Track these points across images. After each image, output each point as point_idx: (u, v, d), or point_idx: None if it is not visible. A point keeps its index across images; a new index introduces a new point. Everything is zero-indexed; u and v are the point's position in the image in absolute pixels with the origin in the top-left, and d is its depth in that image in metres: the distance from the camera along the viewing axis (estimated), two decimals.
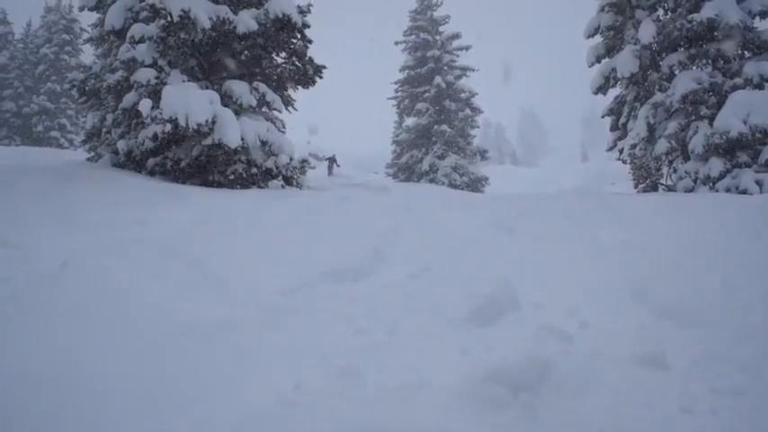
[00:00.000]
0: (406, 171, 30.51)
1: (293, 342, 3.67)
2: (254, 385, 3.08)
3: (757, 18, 15.37)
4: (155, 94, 11.81)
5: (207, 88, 12.41)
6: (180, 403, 2.89)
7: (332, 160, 27.75)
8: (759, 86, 14.37)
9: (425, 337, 3.86)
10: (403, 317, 4.20)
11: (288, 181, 13.35)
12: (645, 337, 3.98)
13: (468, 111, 29.87)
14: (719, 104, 14.69)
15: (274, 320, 4.04)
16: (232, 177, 12.58)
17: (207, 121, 11.35)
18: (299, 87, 14.54)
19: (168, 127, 11.39)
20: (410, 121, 31.21)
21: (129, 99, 12.31)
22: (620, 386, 3.24)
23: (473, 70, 30.38)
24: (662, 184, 17.59)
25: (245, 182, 12.71)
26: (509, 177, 41.39)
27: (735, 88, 14.57)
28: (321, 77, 14.39)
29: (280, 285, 4.82)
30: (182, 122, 11.16)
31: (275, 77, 14.09)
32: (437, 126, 29.14)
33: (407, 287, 5.01)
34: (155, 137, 11.78)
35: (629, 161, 18.44)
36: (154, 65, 12.07)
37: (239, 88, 12.70)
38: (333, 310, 4.30)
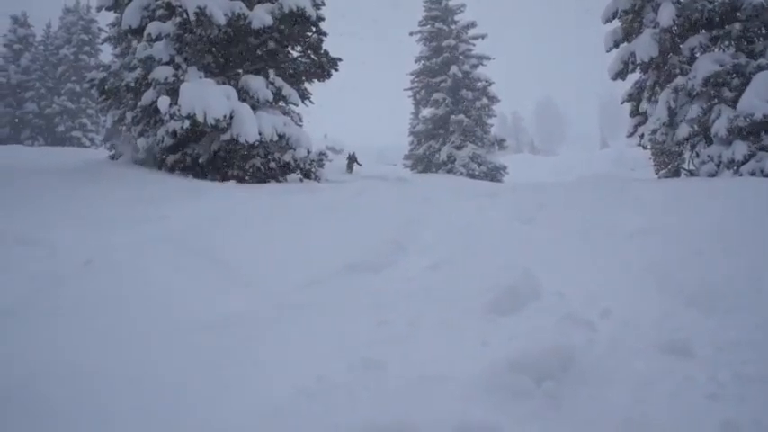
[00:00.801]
0: (423, 162, 30.41)
1: (314, 335, 3.70)
2: (276, 378, 3.10)
3: None
4: (173, 92, 11.92)
5: (224, 84, 12.49)
6: (201, 396, 2.92)
7: (351, 158, 26.98)
8: None
9: (447, 328, 3.86)
10: (424, 308, 4.20)
11: (306, 174, 13.40)
12: (668, 325, 3.93)
13: (484, 100, 29.64)
14: (743, 86, 14.38)
15: (295, 314, 4.07)
16: (251, 172, 12.66)
17: (224, 117, 11.44)
18: (316, 80, 14.57)
19: (186, 123, 11.49)
20: (427, 112, 31.08)
21: (147, 97, 12.44)
22: (645, 374, 3.20)
23: (489, 59, 30.13)
24: (684, 169, 17.32)
25: (263, 176, 12.79)
26: (527, 166, 41.06)
27: (759, 69, 14.24)
28: (337, 70, 14.40)
29: (300, 279, 4.85)
30: (200, 118, 11.25)
31: (291, 71, 14.13)
32: (454, 116, 28.98)
33: (428, 278, 5.01)
34: (173, 133, 11.89)
35: (649, 147, 18.16)
36: (171, 62, 12.16)
37: (256, 83, 12.76)
38: (353, 303, 4.32)
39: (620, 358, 3.39)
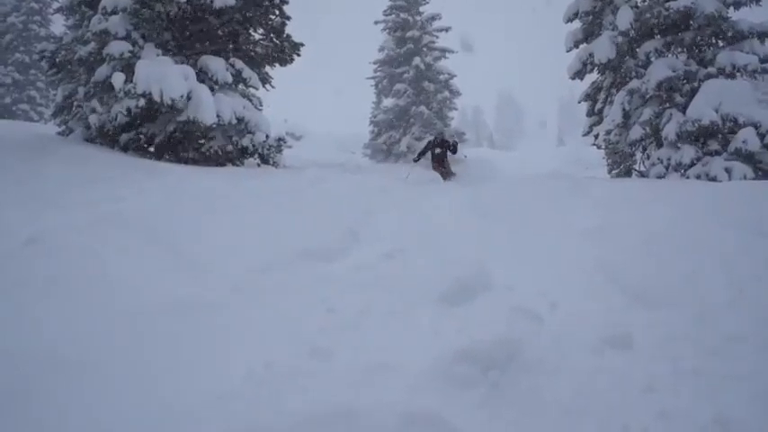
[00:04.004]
0: (383, 152, 30.45)
1: (264, 321, 3.68)
2: (224, 364, 3.08)
3: (731, 8, 15.57)
4: (128, 68, 11.57)
5: (182, 63, 12.18)
6: (149, 381, 2.88)
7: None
8: (731, 76, 14.60)
9: (397, 318, 3.90)
10: (375, 297, 4.22)
11: (264, 159, 13.24)
12: (613, 319, 4.06)
13: (446, 93, 29.84)
14: (693, 92, 14.89)
15: (246, 300, 4.04)
16: (207, 154, 12.43)
17: (182, 97, 11.18)
18: (277, 65, 14.38)
19: (142, 102, 11.19)
20: (388, 102, 31.04)
21: (101, 72, 12.03)
22: (587, 367, 3.31)
23: (452, 52, 30.28)
24: (635, 170, 17.85)
25: (220, 159, 12.58)
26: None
27: (708, 77, 14.78)
28: (299, 55, 14.25)
29: (253, 265, 4.81)
30: (156, 97, 10.97)
31: (252, 54, 13.89)
32: (415, 107, 29.07)
33: (380, 268, 5.03)
34: (128, 111, 11.55)
35: (603, 146, 18.64)
36: (127, 38, 11.79)
37: (215, 64, 12.51)
38: (305, 291, 4.31)
39: (564, 351, 3.50)
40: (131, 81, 11.17)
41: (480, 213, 7.09)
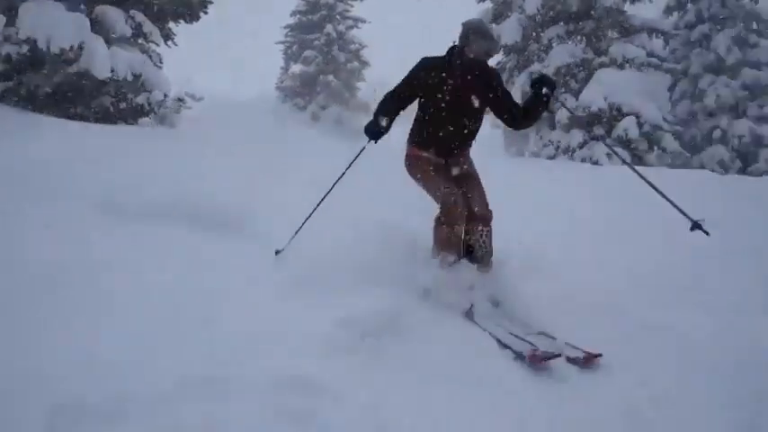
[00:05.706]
0: None
1: (141, 290, 3.57)
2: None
3: (628, 2, 16.61)
4: (10, 10, 10.60)
5: (75, 11, 11.32)
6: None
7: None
8: (621, 67, 15.66)
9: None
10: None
11: (160, 120, 12.67)
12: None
13: (356, 63, 29.73)
14: (587, 80, 15.82)
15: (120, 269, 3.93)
16: (97, 111, 11.72)
17: (72, 47, 10.44)
18: (182, 21, 13.69)
19: (25, 48, 10.34)
20: (296, 68, 30.44)
21: None
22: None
23: (365, 22, 30.14)
24: (527, 151, 18.81)
25: (112, 117, 11.91)
26: None
27: (602, 66, 15.74)
28: (206, 13, 13.67)
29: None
30: (41, 45, 10.18)
31: (155, 7, 13.12)
32: (323, 76, 28.75)
33: None
34: (7, 58, 10.63)
35: (502, 127, 19.44)
36: None
37: (113, 15, 11.76)
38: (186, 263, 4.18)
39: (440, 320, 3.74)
40: (14, 25, 10.27)
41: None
